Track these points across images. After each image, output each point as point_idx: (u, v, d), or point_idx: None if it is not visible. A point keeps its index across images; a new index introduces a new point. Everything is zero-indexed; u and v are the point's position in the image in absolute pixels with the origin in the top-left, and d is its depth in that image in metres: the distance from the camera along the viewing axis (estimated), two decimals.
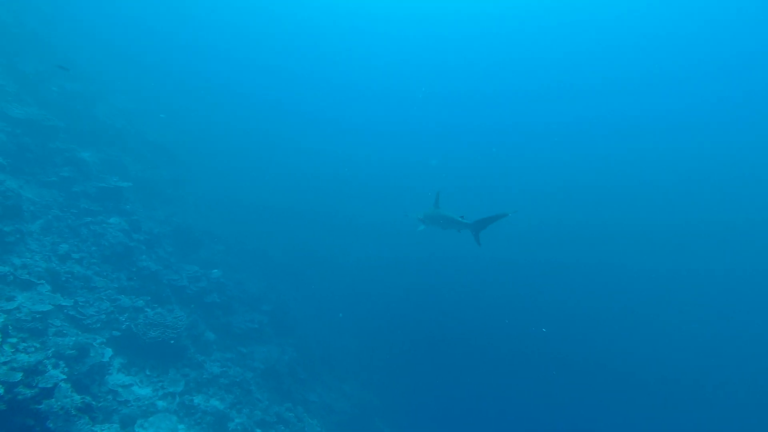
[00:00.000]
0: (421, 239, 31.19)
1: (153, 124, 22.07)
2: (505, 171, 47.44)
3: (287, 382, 13.05)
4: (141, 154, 18.15)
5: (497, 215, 7.37)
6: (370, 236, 31.15)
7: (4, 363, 5.43)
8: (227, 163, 28.58)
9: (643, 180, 44.14)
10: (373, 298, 24.70)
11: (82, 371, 6.98)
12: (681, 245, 38.09)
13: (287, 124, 43.91)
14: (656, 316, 30.32)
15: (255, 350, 13.02)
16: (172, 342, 9.24)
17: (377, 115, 50.47)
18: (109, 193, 12.23)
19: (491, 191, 43.61)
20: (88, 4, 28.01)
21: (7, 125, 10.63)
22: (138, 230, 12.05)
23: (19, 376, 5.20)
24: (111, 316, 9.12)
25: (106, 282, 9.77)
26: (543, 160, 48.21)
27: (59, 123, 12.29)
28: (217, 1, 43.82)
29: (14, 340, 6.50)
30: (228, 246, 19.07)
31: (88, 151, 13.41)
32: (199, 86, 35.29)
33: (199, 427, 8.69)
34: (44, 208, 10.24)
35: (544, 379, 22.68)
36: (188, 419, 8.67)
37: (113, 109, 18.38)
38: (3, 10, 13.94)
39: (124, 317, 9.32)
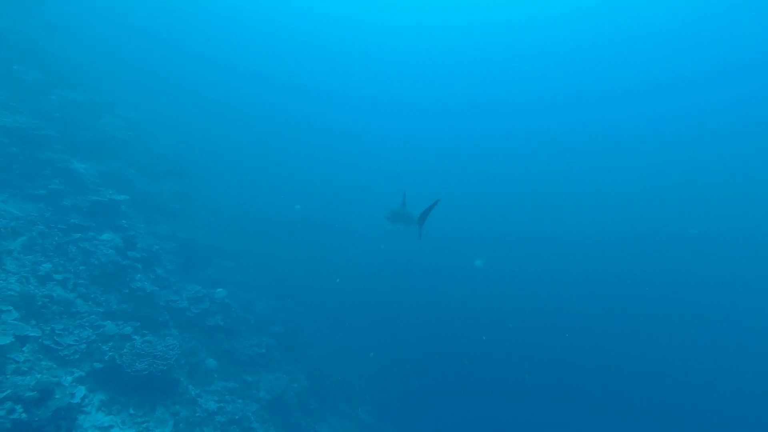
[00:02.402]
0: (440, 253, 30.07)
1: (161, 136, 21.39)
2: (504, 175, 46.97)
3: (296, 414, 11.82)
4: (147, 167, 17.37)
5: (430, 206, 7.86)
6: (387, 249, 30.00)
7: None
8: (238, 175, 27.82)
9: (639, 184, 44.29)
10: (390, 316, 23.38)
11: (43, 417, 5.85)
12: (680, 250, 37.08)
13: (300, 135, 43.34)
14: (655, 319, 29.25)
15: (261, 378, 11.83)
16: (160, 375, 8.10)
17: (392, 124, 50.10)
18: (104, 207, 11.30)
19: (492, 198, 42.69)
20: (97, 13, 27.83)
21: None
22: (133, 247, 11.04)
23: None
24: (93, 346, 8.04)
25: (91, 306, 8.73)
26: (543, 165, 48.18)
27: (52, 133, 11.48)
28: (229, 10, 43.85)
29: None
30: (237, 262, 18.08)
31: (85, 162, 12.57)
32: (210, 97, 34.91)
33: None
34: (28, 223, 9.30)
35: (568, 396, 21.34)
36: None
37: (119, 120, 17.68)
38: (1, 17, 13.36)
39: (107, 347, 8.24)
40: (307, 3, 48.73)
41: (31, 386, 5.94)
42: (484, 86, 52.05)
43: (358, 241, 29.69)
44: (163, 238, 14.58)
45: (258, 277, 18.89)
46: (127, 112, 19.00)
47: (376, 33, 52.03)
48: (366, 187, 37.49)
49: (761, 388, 23.96)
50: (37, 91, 13.34)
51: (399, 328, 22.77)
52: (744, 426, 22.01)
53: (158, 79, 29.14)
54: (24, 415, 5.62)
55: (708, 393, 23.37)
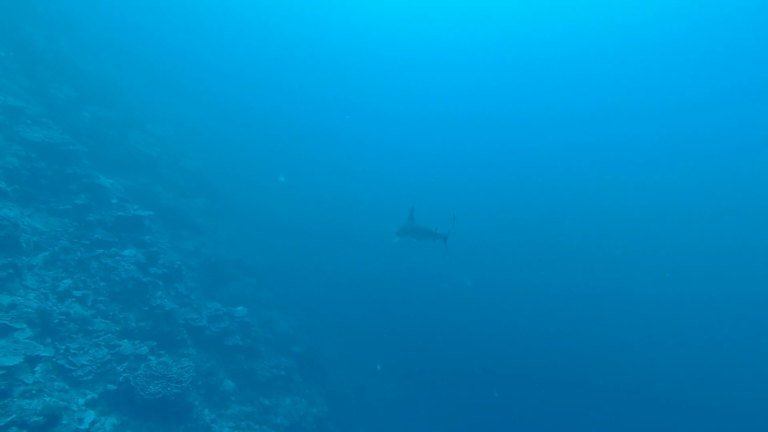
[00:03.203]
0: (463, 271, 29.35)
1: (190, 152, 21.64)
2: (520, 187, 46.55)
3: None
4: (174, 183, 17.49)
5: (452, 223, 8.68)
6: (414, 267, 29.55)
7: None
8: (265, 188, 27.87)
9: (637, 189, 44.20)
10: (415, 337, 22.69)
11: None
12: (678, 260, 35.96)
13: (325, 147, 43.60)
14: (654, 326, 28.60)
15: (280, 402, 11.43)
16: (174, 399, 7.78)
17: (416, 137, 50.45)
18: (128, 223, 11.25)
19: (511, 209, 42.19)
20: (132, 32, 28.78)
21: (22, 149, 9.91)
22: (155, 263, 10.92)
23: None
24: (107, 366, 7.83)
25: (108, 324, 8.55)
26: (543, 171, 47.95)
27: (81, 148, 11.57)
28: (262, 28, 45.04)
29: None
30: (261, 279, 17.87)
31: (112, 178, 12.64)
32: (240, 111, 35.43)
33: None
34: (51, 239, 9.27)
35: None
36: None
37: (149, 136, 17.93)
38: (38, 36, 13.77)
39: (122, 367, 8.01)
40: (331, 18, 50.11)
41: (38, 410, 5.70)
42: (503, 100, 52.99)
43: (384, 255, 29.24)
44: (186, 254, 14.51)
45: (281, 294, 18.63)
46: (157, 129, 19.28)
47: (401, 47, 52.99)
48: (390, 199, 37.33)
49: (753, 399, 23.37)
50: (70, 108, 13.61)
51: (424, 349, 22.07)
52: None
53: (190, 96, 29.79)
54: None
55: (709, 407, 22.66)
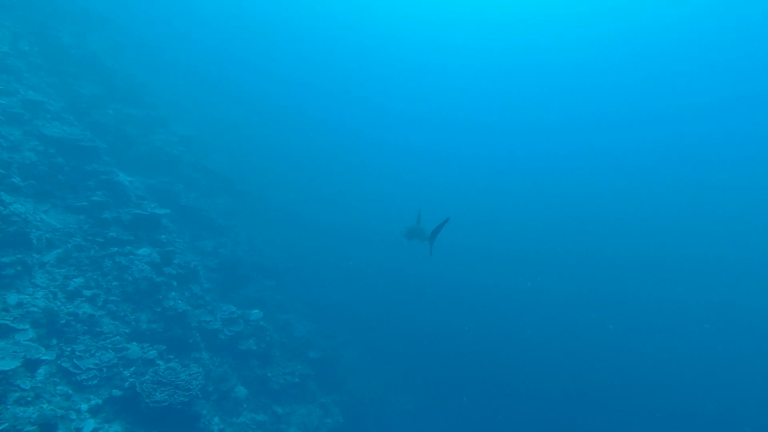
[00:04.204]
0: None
1: (214, 152, 21.59)
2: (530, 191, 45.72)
3: None
4: (196, 182, 17.37)
5: (441, 223, 8.37)
6: (439, 272, 28.97)
7: None
8: (289, 189, 27.65)
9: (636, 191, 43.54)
10: (438, 343, 22.00)
11: None
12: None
13: (358, 152, 43.37)
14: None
15: (293, 411, 11.00)
16: (181, 407, 7.42)
17: (436, 138, 50.17)
18: (145, 221, 11.04)
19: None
20: (160, 30, 29.07)
21: (40, 144, 9.80)
22: (170, 263, 10.66)
23: None
24: (113, 371, 7.53)
25: (117, 326, 8.27)
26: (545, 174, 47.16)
27: (102, 145, 11.46)
28: (290, 29, 45.35)
29: None
30: (279, 281, 17.55)
31: (132, 176, 12.52)
32: (266, 110, 35.39)
33: None
34: (65, 236, 9.08)
35: None
36: None
37: (173, 135, 17.89)
38: (65, 33, 13.82)
39: (129, 372, 7.70)
40: (357, 21, 50.37)
41: (32, 419, 5.38)
42: (521, 104, 52.92)
43: (406, 258, 28.65)
44: (205, 254, 14.29)
45: (299, 297, 18.27)
46: (181, 128, 19.27)
47: (432, 52, 52.85)
48: (414, 202, 36.83)
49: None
50: (94, 105, 13.59)
51: (446, 356, 21.36)
52: None
53: (217, 95, 29.87)
54: None
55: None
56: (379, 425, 14.27)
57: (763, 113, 43.06)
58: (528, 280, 29.97)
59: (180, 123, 19.93)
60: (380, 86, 51.96)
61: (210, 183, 18.47)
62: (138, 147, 14.75)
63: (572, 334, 26.12)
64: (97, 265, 9.22)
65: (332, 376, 13.81)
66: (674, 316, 29.00)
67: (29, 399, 5.68)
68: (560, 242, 36.41)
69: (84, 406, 6.81)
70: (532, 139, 51.62)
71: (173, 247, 11.40)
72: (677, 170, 45.52)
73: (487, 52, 53.23)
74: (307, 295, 18.97)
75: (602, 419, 19.98)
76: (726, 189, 43.08)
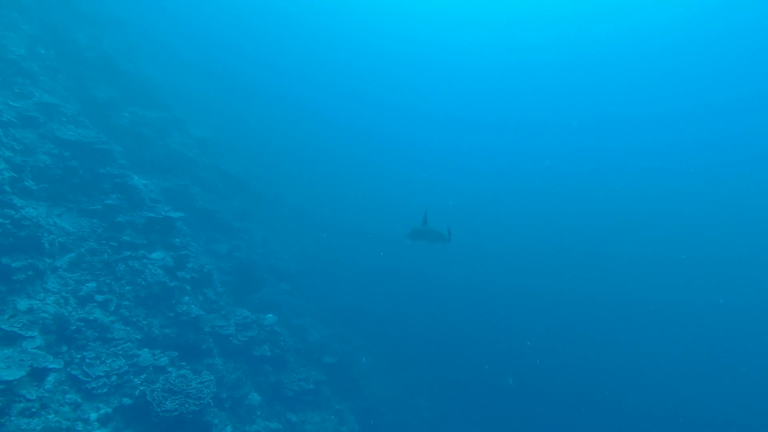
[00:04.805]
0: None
1: (230, 154, 21.55)
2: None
3: None
4: (212, 185, 17.28)
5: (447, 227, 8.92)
6: (458, 275, 28.61)
7: None
8: (305, 191, 27.51)
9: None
10: (456, 347, 21.59)
11: None
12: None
13: (376, 151, 43.21)
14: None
15: (307, 418, 10.77)
16: (191, 417, 7.22)
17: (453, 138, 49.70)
18: (159, 225, 10.92)
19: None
20: (177, 32, 29.22)
21: (55, 147, 9.75)
22: (183, 267, 10.51)
23: None
24: (124, 378, 7.37)
25: (128, 332, 8.13)
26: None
27: (117, 148, 11.39)
28: (306, 30, 45.41)
29: None
30: (294, 284, 17.38)
31: (147, 179, 12.43)
32: (284, 117, 35.36)
33: None
34: (79, 239, 8.99)
35: None
36: None
37: (189, 138, 17.87)
38: (81, 35, 13.85)
39: (140, 379, 7.53)
40: (372, 21, 50.31)
41: (36, 431, 5.19)
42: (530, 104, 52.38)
43: (426, 260, 28.30)
44: (219, 257, 14.18)
45: (315, 301, 18.07)
46: (197, 130, 19.25)
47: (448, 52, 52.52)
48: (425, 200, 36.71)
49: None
50: (110, 108, 13.59)
51: (464, 361, 20.93)
52: None
53: (232, 96, 29.90)
54: None
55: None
56: (397, 429, 13.97)
57: (763, 113, 42.14)
58: (546, 281, 29.53)
59: (196, 125, 19.93)
60: (396, 87, 51.75)
61: (225, 185, 18.39)
62: (153, 149, 14.71)
63: (592, 339, 25.46)
64: (110, 270, 9.10)
65: (347, 381, 13.56)
66: (679, 316, 28.70)
67: (34, 410, 5.53)
68: (584, 243, 35.92)
69: (93, 416, 6.66)
70: (550, 139, 51.05)
71: (187, 250, 11.25)
72: (683, 170, 45.10)
73: (504, 50, 52.83)
74: (322, 299, 18.78)
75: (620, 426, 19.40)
76: (734, 190, 42.17)
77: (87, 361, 7.10)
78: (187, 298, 10.04)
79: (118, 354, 7.59)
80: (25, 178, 8.30)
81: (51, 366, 6.11)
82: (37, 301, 7.28)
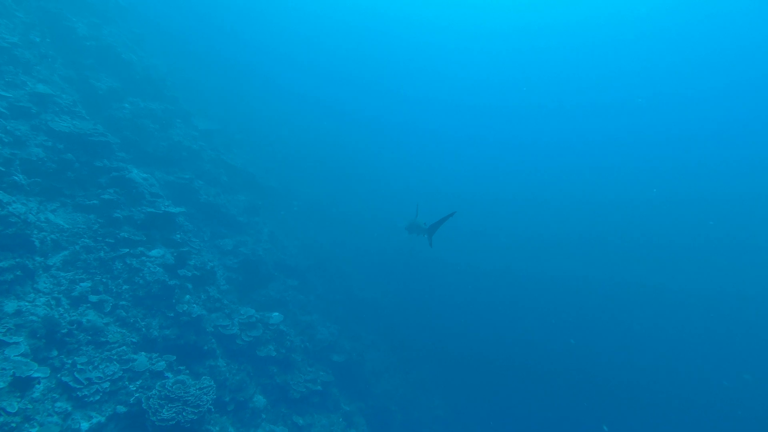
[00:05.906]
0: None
1: (237, 147, 21.07)
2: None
3: None
4: (217, 178, 16.82)
5: (444, 217, 8.43)
6: (470, 270, 28.06)
7: None
8: (314, 184, 26.96)
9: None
10: (470, 345, 21.07)
11: None
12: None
13: (387, 144, 42.55)
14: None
15: (314, 422, 10.31)
16: (189, 426, 6.76)
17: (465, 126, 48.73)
18: (159, 220, 10.47)
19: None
20: (183, 22, 28.65)
21: (48, 139, 9.30)
22: (184, 264, 10.06)
23: None
24: (118, 384, 6.93)
25: (124, 334, 7.69)
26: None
27: (115, 140, 10.93)
28: (317, 21, 44.78)
29: None
30: (302, 280, 16.90)
31: (148, 172, 11.99)
32: (293, 108, 34.72)
33: None
34: (73, 236, 8.55)
35: None
36: None
37: (193, 130, 17.39)
38: (80, 23, 13.37)
39: (135, 386, 7.09)
40: (383, 11, 49.60)
41: None
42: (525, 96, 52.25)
43: (439, 254, 27.68)
44: (224, 253, 13.73)
45: (323, 296, 17.60)
46: (203, 122, 18.77)
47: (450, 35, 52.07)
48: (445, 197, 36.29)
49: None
50: (110, 99, 13.12)
51: (477, 359, 20.42)
52: None
53: (240, 87, 29.31)
54: None
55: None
56: (408, 429, 13.50)
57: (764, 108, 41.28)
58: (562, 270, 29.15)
59: (202, 117, 19.44)
60: (408, 80, 50.89)
61: (231, 178, 17.92)
62: (156, 142, 14.23)
63: (612, 337, 24.80)
64: (106, 268, 8.67)
65: (357, 381, 13.10)
66: (684, 308, 28.67)
67: (13, 425, 5.08)
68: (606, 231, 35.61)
69: (84, 425, 6.23)
70: (558, 126, 50.44)
71: (189, 247, 10.80)
72: (686, 164, 44.27)
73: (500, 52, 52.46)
74: (331, 294, 18.30)
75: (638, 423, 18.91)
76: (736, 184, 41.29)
77: (78, 366, 6.67)
78: (188, 297, 9.59)
79: (112, 358, 7.15)
80: (14, 172, 7.85)
81: (35, 375, 5.66)
82: (26, 303, 6.86)
